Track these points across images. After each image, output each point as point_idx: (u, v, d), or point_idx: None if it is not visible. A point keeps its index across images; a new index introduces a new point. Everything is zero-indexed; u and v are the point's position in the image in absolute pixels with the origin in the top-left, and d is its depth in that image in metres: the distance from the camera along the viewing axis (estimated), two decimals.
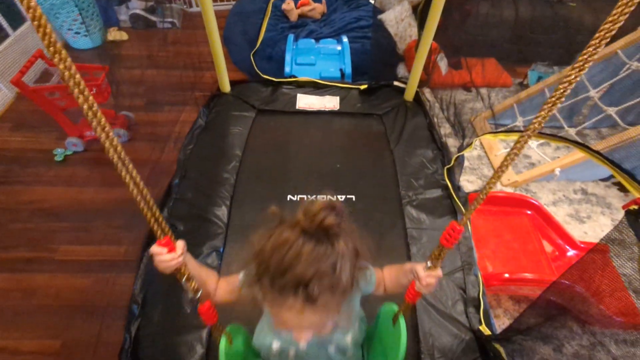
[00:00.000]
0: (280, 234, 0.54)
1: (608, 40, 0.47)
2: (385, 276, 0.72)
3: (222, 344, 0.74)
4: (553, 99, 0.53)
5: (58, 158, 1.89)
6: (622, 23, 0.45)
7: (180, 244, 0.60)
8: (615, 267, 1.10)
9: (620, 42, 1.86)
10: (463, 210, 1.42)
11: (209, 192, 1.48)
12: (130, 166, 0.52)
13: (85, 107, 0.45)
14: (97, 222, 1.64)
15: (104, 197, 1.75)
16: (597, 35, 0.47)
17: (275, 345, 0.73)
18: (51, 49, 0.39)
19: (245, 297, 0.64)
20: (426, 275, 0.64)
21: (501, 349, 1.07)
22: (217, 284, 0.71)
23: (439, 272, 0.65)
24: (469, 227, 1.37)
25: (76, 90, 0.44)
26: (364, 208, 1.45)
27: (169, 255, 0.58)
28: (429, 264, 0.65)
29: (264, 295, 0.56)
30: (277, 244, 0.53)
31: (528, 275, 1.32)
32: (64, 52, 0.41)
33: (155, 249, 0.58)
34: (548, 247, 1.51)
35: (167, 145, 1.89)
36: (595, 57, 0.47)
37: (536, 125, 0.54)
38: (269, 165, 1.63)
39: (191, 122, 1.83)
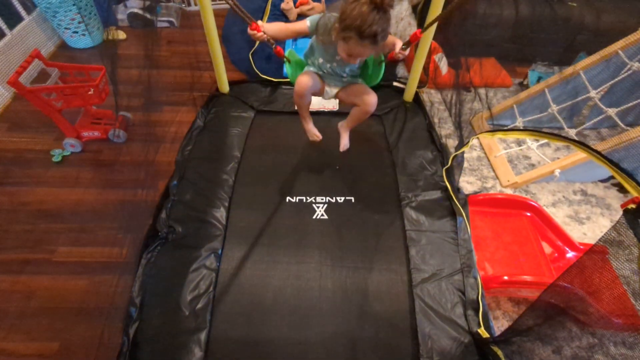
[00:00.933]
0: (361, 6, 0.96)
1: None
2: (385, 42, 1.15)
3: (285, 64, 1.40)
4: None
5: (56, 159, 1.88)
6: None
7: (261, 25, 1.13)
8: (613, 269, 1.10)
9: (621, 43, 1.85)
10: (462, 212, 1.41)
11: (207, 194, 1.47)
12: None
13: None
14: (95, 223, 1.63)
15: (102, 199, 1.74)
16: None
17: (321, 59, 1.28)
18: None
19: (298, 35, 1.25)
20: (400, 51, 1.16)
21: (500, 352, 1.07)
22: (288, 31, 1.24)
23: (405, 54, 1.18)
24: (469, 230, 1.37)
25: None
26: (363, 209, 1.45)
27: (258, 34, 1.12)
28: (403, 46, 1.16)
29: (347, 40, 1.03)
30: (360, 12, 0.96)
31: (527, 278, 1.32)
32: None
33: (249, 31, 1.12)
34: (547, 249, 1.50)
35: (165, 146, 1.88)
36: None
37: None
38: (267, 166, 1.62)
39: (189, 122, 1.82)
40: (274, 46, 1.23)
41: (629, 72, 1.75)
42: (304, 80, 1.27)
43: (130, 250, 1.38)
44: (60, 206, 1.70)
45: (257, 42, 2.46)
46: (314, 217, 1.41)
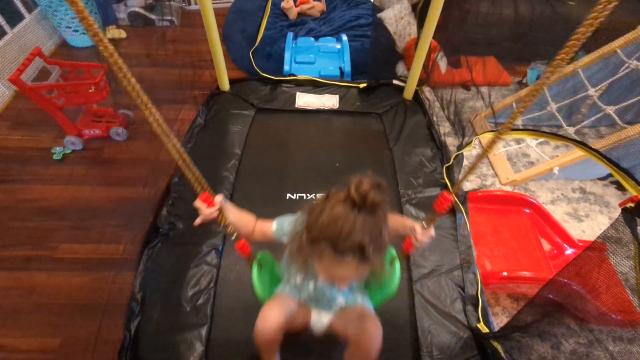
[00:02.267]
0: (333, 208, 0.64)
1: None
2: (390, 225, 0.78)
3: (254, 269, 0.92)
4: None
5: (57, 157, 1.89)
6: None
7: (218, 199, 0.74)
8: (611, 265, 1.11)
9: (620, 41, 1.86)
10: (462, 208, 1.42)
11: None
12: (172, 135, 0.64)
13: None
14: (96, 220, 1.64)
15: (102, 196, 1.74)
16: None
17: (299, 278, 0.88)
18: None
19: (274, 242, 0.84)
20: (422, 233, 0.79)
21: (499, 347, 1.07)
22: (255, 226, 0.85)
23: (432, 232, 0.80)
24: (468, 226, 1.38)
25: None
26: None
27: (207, 210, 0.73)
28: (424, 224, 0.80)
29: (320, 257, 0.67)
30: (333, 217, 0.63)
31: (526, 274, 1.33)
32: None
33: (197, 203, 0.73)
34: (546, 246, 1.51)
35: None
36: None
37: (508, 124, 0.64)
38: (268, 163, 1.63)
39: (190, 120, 1.83)
40: (232, 238, 0.82)
41: (627, 70, 1.76)
42: (271, 318, 0.83)
43: (131, 246, 1.39)
44: (61, 203, 1.71)
45: (257, 42, 2.47)
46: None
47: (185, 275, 1.22)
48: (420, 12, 2.51)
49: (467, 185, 1.88)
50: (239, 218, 0.82)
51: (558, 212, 1.78)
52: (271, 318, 0.83)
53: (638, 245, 1.14)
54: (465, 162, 2.00)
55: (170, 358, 1.07)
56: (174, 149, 0.64)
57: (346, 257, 0.63)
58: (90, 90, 1.78)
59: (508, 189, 1.87)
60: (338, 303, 0.90)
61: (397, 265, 0.91)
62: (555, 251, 1.51)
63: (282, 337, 0.86)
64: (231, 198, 1.47)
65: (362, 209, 0.62)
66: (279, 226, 0.84)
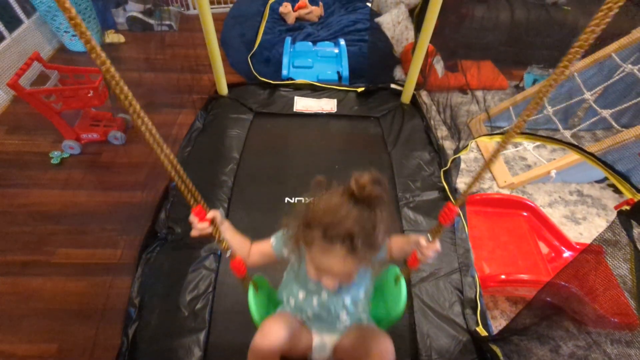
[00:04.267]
0: (331, 197, 0.65)
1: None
2: (392, 245, 0.80)
3: (250, 291, 0.87)
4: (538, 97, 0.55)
5: (54, 161, 1.89)
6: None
7: (211, 214, 0.72)
8: (609, 268, 1.11)
9: (615, 45, 1.88)
10: (460, 212, 1.42)
11: (206, 195, 1.46)
12: (165, 146, 0.62)
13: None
14: (93, 225, 1.64)
15: (101, 200, 1.74)
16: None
17: (302, 295, 0.83)
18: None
19: (275, 262, 0.82)
20: (427, 247, 0.75)
21: (498, 350, 1.07)
22: (250, 250, 0.83)
23: (437, 245, 0.75)
24: (466, 229, 1.38)
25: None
26: None
27: (199, 224, 0.70)
28: (429, 237, 0.76)
29: (310, 245, 0.67)
30: (330, 205, 0.64)
31: (524, 277, 1.33)
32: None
33: (190, 217, 0.71)
34: (544, 249, 1.52)
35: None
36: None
37: (517, 126, 0.61)
38: (266, 167, 1.63)
39: (189, 124, 1.83)
40: (226, 256, 0.78)
41: (622, 74, 1.78)
42: (271, 333, 0.77)
43: (128, 251, 1.39)
44: (59, 208, 1.71)
45: (256, 46, 2.48)
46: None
47: (184, 280, 1.22)
48: (417, 16, 2.53)
49: (465, 189, 1.89)
50: (234, 237, 0.80)
51: (556, 215, 1.79)
52: (272, 334, 0.77)
53: (634, 248, 1.14)
54: (463, 166, 2.01)
55: None
56: (167, 159, 0.62)
57: (335, 245, 0.62)
58: (88, 95, 1.78)
59: (506, 192, 1.88)
60: (342, 321, 0.84)
61: (403, 283, 0.86)
62: (553, 254, 1.52)
63: None
64: (229, 202, 1.47)
65: (358, 201, 0.63)
66: (277, 239, 0.81)
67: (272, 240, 0.83)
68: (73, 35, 2.57)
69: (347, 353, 0.85)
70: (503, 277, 1.31)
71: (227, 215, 1.42)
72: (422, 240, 0.75)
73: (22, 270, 1.48)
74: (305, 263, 0.72)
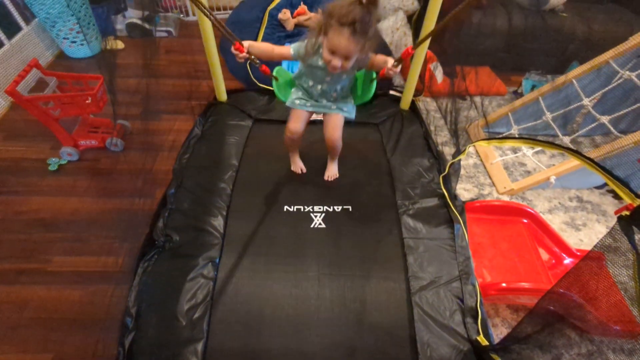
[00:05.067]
0: (345, 1, 1.02)
1: None
2: (374, 59, 1.23)
3: (273, 81, 1.39)
4: None
5: (52, 167, 1.88)
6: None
7: (245, 44, 1.14)
8: (610, 274, 1.10)
9: (612, 52, 1.88)
10: (460, 219, 1.42)
11: (205, 202, 1.47)
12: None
13: None
14: (92, 232, 1.62)
15: (98, 208, 1.73)
16: None
17: (311, 82, 1.29)
18: None
19: (288, 59, 1.25)
20: (392, 67, 1.14)
21: (499, 359, 1.06)
22: (274, 51, 1.25)
23: (397, 71, 1.15)
24: (466, 237, 1.37)
25: None
26: (360, 218, 1.45)
27: (242, 54, 1.13)
28: (395, 62, 1.14)
29: (327, 30, 1.06)
30: (344, 5, 1.01)
31: (525, 285, 1.32)
32: None
33: (233, 50, 1.12)
34: (545, 255, 1.51)
35: (162, 155, 1.88)
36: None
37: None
38: (265, 175, 1.62)
39: (187, 130, 1.83)
40: (258, 65, 1.23)
41: (620, 81, 1.78)
42: (295, 128, 1.34)
43: (126, 259, 1.37)
44: (55, 215, 1.69)
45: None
46: (312, 226, 1.40)
47: (181, 289, 1.20)
48: (415, 23, 2.54)
49: (465, 195, 1.88)
50: (262, 50, 1.22)
51: (555, 222, 1.78)
52: (294, 127, 1.35)
53: (636, 254, 1.13)
54: (463, 172, 2.01)
55: None
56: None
57: (344, 28, 1.01)
58: (87, 102, 1.77)
59: (505, 198, 1.87)
60: (333, 97, 1.32)
61: (375, 83, 1.35)
62: (553, 261, 1.51)
63: (300, 141, 1.45)
64: (228, 210, 1.46)
65: (363, 5, 0.99)
66: (295, 50, 1.22)
67: (292, 50, 1.22)
68: (72, 42, 2.58)
69: (324, 124, 1.39)
70: (504, 285, 1.30)
71: (226, 223, 1.42)
72: (390, 61, 1.16)
73: (17, 279, 1.46)
74: (322, 50, 1.12)
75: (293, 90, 1.37)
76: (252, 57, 1.17)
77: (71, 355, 1.26)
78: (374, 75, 1.32)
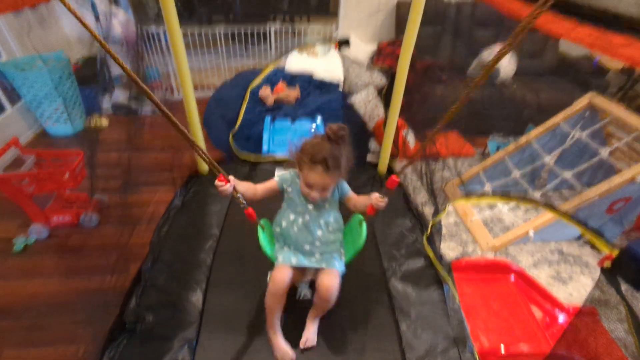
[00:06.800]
0: (314, 139, 1.08)
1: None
2: (356, 198, 1.21)
3: (260, 230, 1.22)
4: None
5: (17, 248, 1.76)
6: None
7: (232, 179, 1.06)
8: (606, 330, 1.07)
9: (561, 116, 2.10)
10: (448, 279, 1.39)
11: (183, 276, 1.39)
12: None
13: None
14: (54, 317, 1.47)
15: (64, 289, 1.59)
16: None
17: (292, 216, 1.18)
18: None
19: (276, 193, 1.21)
20: (378, 200, 1.11)
21: None
22: (257, 189, 1.18)
23: (385, 201, 1.11)
24: (457, 298, 1.33)
25: None
26: (348, 285, 1.40)
27: (225, 186, 1.03)
28: (380, 196, 1.12)
29: (301, 167, 1.08)
30: (314, 142, 1.07)
31: (524, 348, 1.26)
32: None
33: (217, 182, 1.03)
34: (538, 313, 1.47)
35: (140, 227, 1.82)
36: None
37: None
38: (247, 244, 1.57)
39: (167, 202, 1.80)
40: (244, 206, 1.12)
41: (574, 140, 1.96)
42: (281, 276, 1.10)
43: (89, 347, 1.22)
44: (15, 301, 1.54)
45: (237, 125, 2.61)
46: (297, 297, 1.33)
47: None
48: (385, 96, 2.79)
49: (450, 254, 1.87)
50: (247, 187, 1.15)
51: (542, 276, 1.77)
52: (281, 275, 1.11)
53: (627, 306, 1.12)
54: (444, 231, 2.03)
55: None
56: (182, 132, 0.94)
57: (316, 165, 1.04)
58: (64, 177, 1.75)
59: (490, 254, 1.88)
60: (318, 237, 1.17)
61: (364, 225, 1.24)
62: (547, 319, 1.46)
63: (285, 299, 1.13)
64: (207, 282, 1.38)
65: (331, 140, 1.04)
66: (280, 178, 1.19)
67: (276, 178, 1.20)
68: (55, 121, 2.63)
69: (317, 278, 1.18)
70: (503, 352, 1.23)
71: (205, 297, 1.32)
72: (375, 195, 1.12)
73: None
74: (300, 185, 1.12)
75: (276, 246, 1.24)
76: (238, 195, 1.08)
77: None
78: (362, 217, 1.25)
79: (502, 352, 1.23)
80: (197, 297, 1.30)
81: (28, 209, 1.78)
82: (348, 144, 1.06)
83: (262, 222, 1.24)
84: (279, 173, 1.22)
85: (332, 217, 1.20)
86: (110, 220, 1.95)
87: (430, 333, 1.22)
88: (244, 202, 1.10)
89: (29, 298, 1.55)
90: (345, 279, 1.41)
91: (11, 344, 1.37)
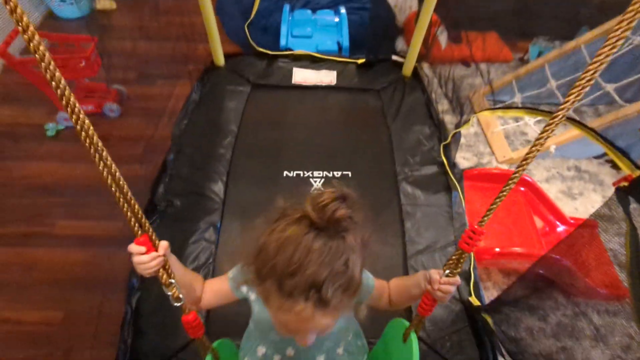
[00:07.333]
0: (285, 229, 0.48)
1: None
2: (391, 286, 0.66)
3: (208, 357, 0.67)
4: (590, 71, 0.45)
5: (50, 133, 1.86)
6: None
7: (164, 244, 0.52)
8: (601, 242, 1.13)
9: (620, 17, 1.81)
10: (457, 186, 1.43)
11: (205, 168, 1.47)
12: (105, 153, 0.45)
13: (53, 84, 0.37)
14: (92, 197, 1.63)
15: (96, 173, 1.72)
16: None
17: (260, 351, 0.67)
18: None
19: (234, 301, 0.63)
20: (443, 281, 0.57)
21: (489, 319, 1.11)
22: (203, 289, 0.65)
23: (457, 279, 0.59)
24: (463, 204, 1.39)
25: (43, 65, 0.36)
26: (359, 184, 1.46)
27: (147, 255, 0.50)
28: (447, 271, 0.59)
29: (267, 299, 0.49)
30: (283, 241, 0.46)
31: (518, 250, 1.36)
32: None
33: (132, 247, 0.50)
34: (539, 223, 1.54)
35: (161, 121, 1.86)
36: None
37: (568, 105, 0.46)
38: (264, 140, 1.62)
39: (185, 96, 1.79)
40: (179, 304, 0.58)
41: (630, 47, 1.73)
42: None
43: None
44: (56, 180, 1.70)
45: (253, 14, 2.38)
46: (311, 191, 1.42)
47: (184, 252, 1.24)
48: None
49: (464, 163, 1.88)
50: (184, 275, 0.60)
51: (552, 190, 1.80)
52: None
53: (630, 223, 1.16)
54: (463, 140, 2.00)
55: (172, 332, 1.10)
56: (106, 170, 0.46)
57: (297, 300, 0.45)
58: (80, 65, 1.72)
59: (505, 167, 1.88)
60: None
61: (414, 340, 0.66)
62: (547, 228, 1.54)
63: None
64: (228, 175, 1.47)
65: (321, 230, 0.46)
66: (235, 273, 0.63)
67: (230, 274, 0.64)
68: (62, 1, 2.46)
69: None
70: (497, 250, 1.33)
71: (226, 188, 1.43)
72: (435, 274, 0.59)
73: (24, 241, 1.50)
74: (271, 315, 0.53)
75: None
76: (170, 280, 0.55)
77: (80, 313, 1.32)
78: (407, 324, 0.71)
79: (497, 250, 1.34)
80: (219, 188, 1.41)
81: (52, 96, 1.81)
82: (361, 215, 0.54)
83: (216, 344, 0.71)
84: (237, 267, 0.65)
85: (343, 346, 0.70)
86: (132, 113, 1.98)
87: (432, 232, 1.32)
88: (180, 296, 0.57)
89: (69, 179, 1.71)
90: (357, 178, 1.45)
91: (62, 217, 1.58)
